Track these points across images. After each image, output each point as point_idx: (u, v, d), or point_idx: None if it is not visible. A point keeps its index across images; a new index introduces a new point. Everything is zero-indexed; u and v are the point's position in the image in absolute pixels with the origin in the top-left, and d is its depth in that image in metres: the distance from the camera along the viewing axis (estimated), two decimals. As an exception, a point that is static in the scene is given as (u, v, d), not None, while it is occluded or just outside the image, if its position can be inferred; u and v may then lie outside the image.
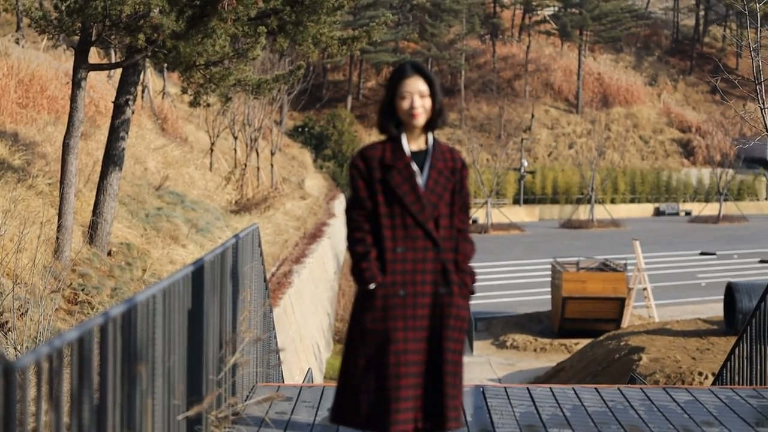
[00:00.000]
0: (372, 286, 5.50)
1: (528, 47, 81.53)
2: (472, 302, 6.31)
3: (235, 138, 34.92)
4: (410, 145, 5.64)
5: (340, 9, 15.26)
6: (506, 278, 39.68)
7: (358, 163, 5.61)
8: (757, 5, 18.70)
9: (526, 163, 69.70)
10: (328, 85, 75.57)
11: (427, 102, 5.57)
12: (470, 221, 5.86)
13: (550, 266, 34.48)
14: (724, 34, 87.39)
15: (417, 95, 5.55)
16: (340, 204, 45.23)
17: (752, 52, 14.99)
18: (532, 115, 77.02)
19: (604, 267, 32.82)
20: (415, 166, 5.57)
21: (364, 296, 5.55)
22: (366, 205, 5.56)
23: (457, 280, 5.59)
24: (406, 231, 5.52)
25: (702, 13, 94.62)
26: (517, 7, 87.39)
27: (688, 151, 76.85)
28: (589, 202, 64.21)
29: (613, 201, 69.03)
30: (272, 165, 37.47)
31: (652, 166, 74.05)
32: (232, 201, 28.54)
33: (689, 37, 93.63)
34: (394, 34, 70.59)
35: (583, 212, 65.11)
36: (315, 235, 30.02)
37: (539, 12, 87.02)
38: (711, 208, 66.69)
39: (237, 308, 7.10)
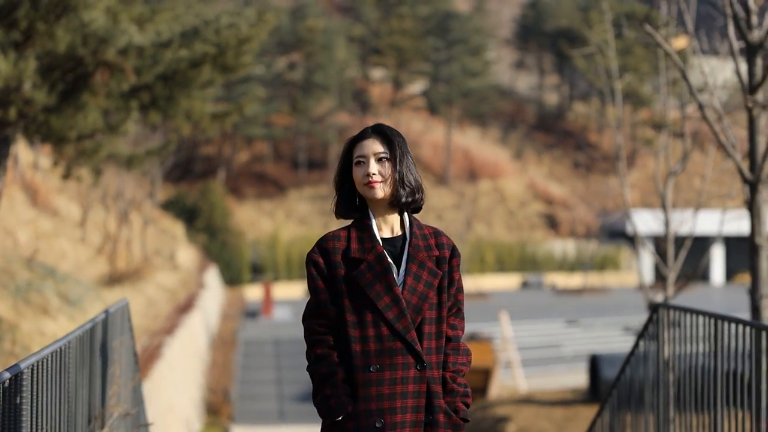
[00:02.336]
0: (340, 417, 4.39)
1: (397, 122, 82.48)
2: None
3: (108, 210, 34.75)
4: (381, 230, 4.57)
5: (212, 84, 15.50)
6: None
7: (316, 258, 4.51)
8: (617, 85, 19.43)
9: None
10: (200, 159, 75.47)
11: (387, 168, 4.49)
12: (463, 325, 4.66)
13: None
14: (605, 112, 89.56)
15: (373, 158, 4.49)
16: (212, 276, 45.14)
17: (614, 129, 15.59)
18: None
19: (471, 338, 33.28)
20: (389, 259, 4.47)
21: (330, 431, 4.43)
22: (328, 312, 4.46)
23: (444, 407, 4.48)
24: (381, 344, 4.39)
25: (566, 90, 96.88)
26: (386, 83, 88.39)
27: (553, 223, 78.26)
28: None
29: (480, 273, 69.85)
30: (144, 237, 37.31)
31: (519, 239, 75.20)
32: (104, 273, 28.39)
33: (554, 113, 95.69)
34: (265, 108, 70.90)
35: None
36: (186, 306, 29.95)
37: (408, 88, 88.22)
38: (575, 280, 67.91)
39: (106, 383, 7.06)
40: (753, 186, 10.67)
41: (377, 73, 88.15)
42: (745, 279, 68.14)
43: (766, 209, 10.80)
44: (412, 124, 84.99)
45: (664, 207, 17.54)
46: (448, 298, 4.58)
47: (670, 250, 17.08)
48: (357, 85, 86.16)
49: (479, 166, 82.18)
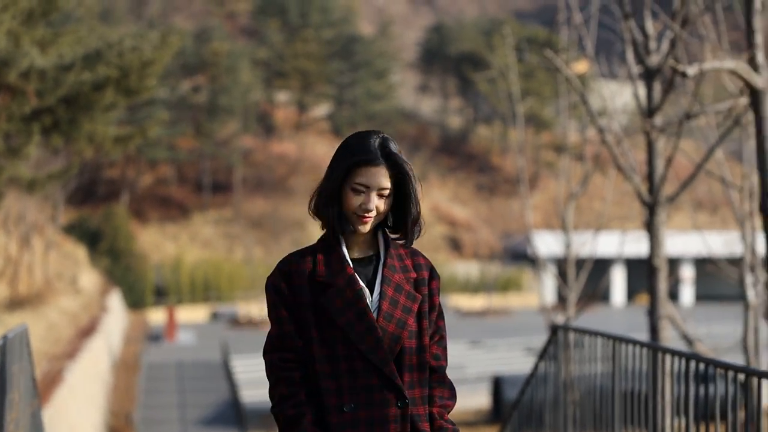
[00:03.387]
0: None
1: (302, 145, 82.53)
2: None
3: (9, 234, 34.28)
4: (352, 250, 4.02)
5: (115, 107, 15.42)
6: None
7: (278, 283, 3.94)
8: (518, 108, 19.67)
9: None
10: (103, 181, 74.76)
11: (384, 204, 3.95)
12: (446, 354, 4.13)
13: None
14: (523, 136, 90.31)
15: (375, 193, 3.93)
16: (115, 300, 44.71)
17: (516, 152, 15.80)
18: (306, 212, 77.67)
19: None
20: (361, 283, 3.92)
21: None
22: (294, 345, 3.89)
23: None
24: (356, 380, 3.85)
25: (470, 113, 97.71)
26: (291, 106, 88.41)
27: (456, 245, 78.75)
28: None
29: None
30: (46, 261, 36.86)
31: (424, 261, 75.43)
32: (5, 298, 28.01)
33: (457, 136, 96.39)
34: (169, 131, 70.49)
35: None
36: (89, 330, 29.65)
37: (313, 111, 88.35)
38: (479, 301, 68.35)
39: (5, 409, 7.00)
40: (651, 208, 10.89)
41: (282, 96, 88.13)
42: (645, 300, 69.13)
43: (664, 231, 11.02)
44: (316, 147, 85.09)
45: (565, 229, 17.80)
46: (429, 325, 4.02)
47: (571, 271, 17.33)
48: (261, 107, 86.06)
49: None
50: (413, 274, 4.03)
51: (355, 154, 4.00)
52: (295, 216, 77.11)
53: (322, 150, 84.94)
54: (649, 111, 10.87)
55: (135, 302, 57.51)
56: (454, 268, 74.25)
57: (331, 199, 3.99)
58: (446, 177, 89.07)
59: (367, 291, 3.92)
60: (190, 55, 74.17)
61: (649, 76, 11.01)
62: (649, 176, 10.91)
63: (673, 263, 64.34)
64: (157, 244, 68.97)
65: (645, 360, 7.00)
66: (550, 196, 78.47)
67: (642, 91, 11.32)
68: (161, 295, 61.05)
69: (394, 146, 4.02)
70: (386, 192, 3.94)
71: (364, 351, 3.83)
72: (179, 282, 61.22)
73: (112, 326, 36.35)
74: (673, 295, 68.50)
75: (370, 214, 3.92)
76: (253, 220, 76.30)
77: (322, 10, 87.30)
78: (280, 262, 4.00)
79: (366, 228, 3.93)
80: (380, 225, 4.06)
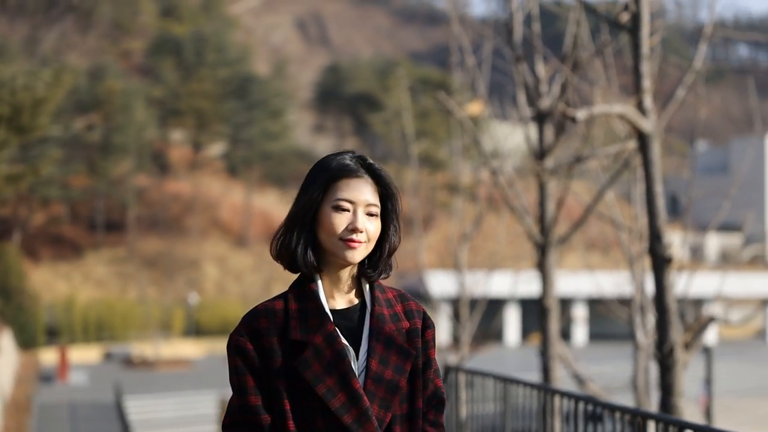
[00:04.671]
0: None
1: (197, 184, 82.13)
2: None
3: None
4: (333, 298, 3.30)
5: (6, 146, 15.23)
6: (173, 413, 39.39)
7: (243, 343, 3.22)
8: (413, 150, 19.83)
9: (194, 298, 69.70)
10: (-8, 220, 73.56)
11: (375, 225, 3.26)
12: (443, 421, 3.43)
13: (217, 400, 34.53)
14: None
15: (362, 210, 3.24)
16: (6, 339, 43.87)
17: (410, 192, 15.87)
18: (201, 251, 77.25)
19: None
20: (343, 340, 3.22)
21: None
22: (260, 422, 3.18)
23: None
24: None
25: (365, 153, 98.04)
26: (185, 145, 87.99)
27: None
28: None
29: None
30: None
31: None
32: None
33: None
34: (62, 169, 69.65)
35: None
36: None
37: (208, 150, 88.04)
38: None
39: None
40: (543, 249, 11.04)
41: (177, 135, 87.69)
42: (538, 339, 69.73)
43: (556, 271, 11.16)
44: (211, 186, 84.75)
45: (458, 269, 17.93)
46: (425, 385, 3.31)
47: (465, 311, 17.45)
48: (156, 146, 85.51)
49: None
50: (406, 324, 3.31)
51: (332, 167, 3.34)
52: (190, 255, 76.63)
53: (217, 189, 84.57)
54: (541, 153, 11.03)
55: (26, 342, 56.50)
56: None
57: (304, 229, 3.25)
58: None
59: (351, 350, 3.21)
60: (84, 93, 73.50)
61: (540, 118, 11.18)
62: (541, 217, 11.05)
63: (566, 303, 64.99)
64: (50, 283, 68.00)
65: (535, 400, 7.09)
66: (445, 236, 78.92)
67: (534, 133, 11.48)
68: (53, 334, 60.10)
69: (379, 167, 3.42)
70: (375, 210, 3.27)
71: (348, 425, 3.12)
72: (72, 321, 60.34)
73: (2, 367, 35.68)
74: (566, 335, 69.21)
75: (360, 237, 3.20)
76: (146, 259, 75.63)
77: (217, 49, 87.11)
78: (245, 316, 3.27)
79: (356, 256, 3.20)
80: (363, 274, 3.34)
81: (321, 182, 3.28)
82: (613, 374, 34.54)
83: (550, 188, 11.10)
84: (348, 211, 3.22)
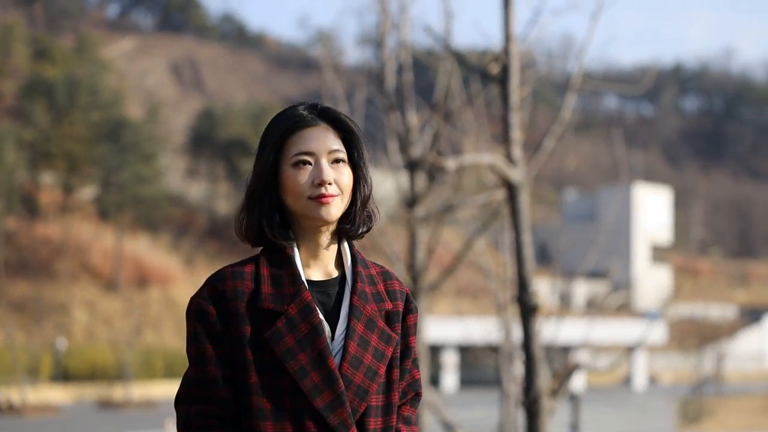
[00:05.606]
0: None
1: (67, 228, 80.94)
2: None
3: None
4: (309, 268, 2.96)
5: None
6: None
7: (206, 307, 2.87)
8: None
9: (63, 343, 68.51)
10: None
11: (345, 175, 2.93)
12: (415, 418, 3.08)
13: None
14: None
15: (325, 159, 2.91)
16: None
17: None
18: (71, 295, 76.02)
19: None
20: (320, 314, 2.88)
21: None
22: (220, 395, 2.84)
23: None
24: None
25: (238, 198, 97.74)
26: (56, 188, 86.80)
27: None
28: (126, 381, 63.70)
29: (149, 380, 68.86)
30: None
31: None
32: None
33: (225, 220, 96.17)
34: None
35: (120, 392, 64.45)
36: None
37: (79, 193, 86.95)
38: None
39: None
40: (414, 295, 11.10)
41: (47, 178, 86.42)
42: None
43: (426, 318, 11.24)
44: (82, 230, 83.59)
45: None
46: (401, 376, 2.99)
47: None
48: (26, 189, 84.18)
49: (150, 273, 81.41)
50: (388, 305, 2.98)
51: (282, 123, 2.95)
52: (59, 299, 75.41)
53: (88, 233, 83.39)
54: (411, 201, 11.13)
55: None
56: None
57: (265, 198, 2.92)
58: (214, 261, 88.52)
59: (327, 326, 2.87)
60: (-49, 133, 72.17)
61: (411, 167, 11.28)
62: (411, 264, 11.13)
63: (437, 349, 65.34)
64: None
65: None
66: (318, 282, 78.92)
67: (405, 181, 11.58)
68: None
69: (336, 110, 3.04)
70: (341, 155, 2.93)
71: (319, 409, 2.78)
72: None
73: None
74: (435, 381, 69.58)
75: (331, 190, 2.87)
76: (15, 303, 74.21)
77: (90, 92, 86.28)
78: (209, 278, 2.93)
79: (332, 212, 2.87)
80: (340, 233, 3.01)
81: (273, 142, 2.91)
82: (482, 420, 34.78)
83: (420, 236, 11.20)
84: (309, 164, 2.89)
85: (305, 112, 2.94)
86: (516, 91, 8.19)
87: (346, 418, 2.78)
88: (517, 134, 8.18)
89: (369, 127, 17.74)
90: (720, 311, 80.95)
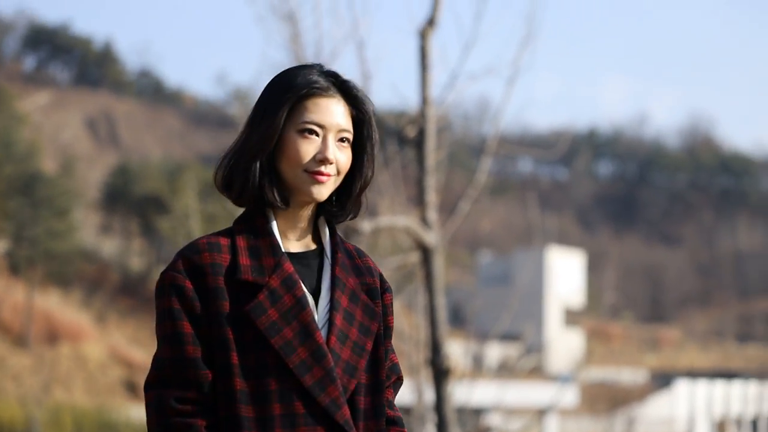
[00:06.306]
0: None
1: (-24, 281, 79.72)
2: None
3: None
4: (287, 238, 2.75)
5: None
6: None
7: (181, 281, 2.65)
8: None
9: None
10: None
11: (346, 156, 2.73)
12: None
13: None
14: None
15: (333, 136, 2.71)
16: None
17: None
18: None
19: None
20: (303, 286, 2.68)
21: None
22: (198, 378, 2.59)
23: None
24: (295, 429, 2.57)
25: (152, 254, 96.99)
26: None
27: (133, 388, 77.22)
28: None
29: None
30: None
31: (99, 404, 73.65)
32: None
33: (138, 277, 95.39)
34: None
35: (27, 452, 63.39)
36: None
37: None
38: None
39: None
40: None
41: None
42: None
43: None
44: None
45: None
46: (386, 356, 2.78)
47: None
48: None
49: (60, 329, 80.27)
50: (369, 280, 2.81)
51: (297, 83, 2.71)
52: (-35, 356, 74.10)
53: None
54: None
55: None
56: (129, 412, 72.70)
57: (261, 154, 2.69)
58: (126, 318, 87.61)
59: (310, 298, 2.67)
60: None
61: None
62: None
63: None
64: None
65: None
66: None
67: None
68: None
69: (355, 85, 2.81)
70: (348, 136, 2.74)
71: (308, 387, 2.58)
72: None
73: None
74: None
75: (329, 170, 2.68)
76: None
77: (3, 145, 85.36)
78: (181, 250, 2.70)
79: (323, 192, 2.69)
80: (319, 206, 2.80)
81: (285, 101, 2.68)
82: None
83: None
84: (316, 135, 2.69)
85: (322, 79, 2.73)
86: (432, 155, 8.23)
87: (337, 396, 2.59)
88: (432, 197, 8.21)
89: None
90: (631, 375, 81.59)
